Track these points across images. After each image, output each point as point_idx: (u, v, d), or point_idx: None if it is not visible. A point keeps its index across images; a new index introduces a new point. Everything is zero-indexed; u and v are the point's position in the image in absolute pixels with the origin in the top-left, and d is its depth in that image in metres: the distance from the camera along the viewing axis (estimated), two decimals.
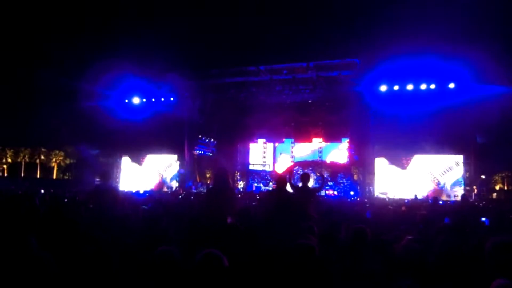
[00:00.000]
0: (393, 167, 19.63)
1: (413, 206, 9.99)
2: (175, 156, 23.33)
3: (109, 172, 7.63)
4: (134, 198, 11.83)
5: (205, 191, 21.71)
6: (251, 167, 26.63)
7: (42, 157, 54.51)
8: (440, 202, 13.39)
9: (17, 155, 53.86)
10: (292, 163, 25.50)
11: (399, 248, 4.06)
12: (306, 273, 2.74)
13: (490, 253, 2.51)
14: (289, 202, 5.58)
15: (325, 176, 15.61)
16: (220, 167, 5.96)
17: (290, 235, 4.33)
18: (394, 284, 2.34)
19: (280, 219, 5.06)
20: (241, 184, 25.82)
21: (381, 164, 19.83)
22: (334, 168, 23.79)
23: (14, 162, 53.77)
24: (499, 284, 1.91)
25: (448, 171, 18.74)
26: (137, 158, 24.16)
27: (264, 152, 26.90)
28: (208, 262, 2.43)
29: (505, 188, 42.06)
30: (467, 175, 18.72)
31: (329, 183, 22.61)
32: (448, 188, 18.68)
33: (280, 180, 5.97)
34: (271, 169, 26.20)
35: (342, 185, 23.27)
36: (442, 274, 2.79)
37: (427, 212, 6.20)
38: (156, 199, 9.41)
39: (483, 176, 19.51)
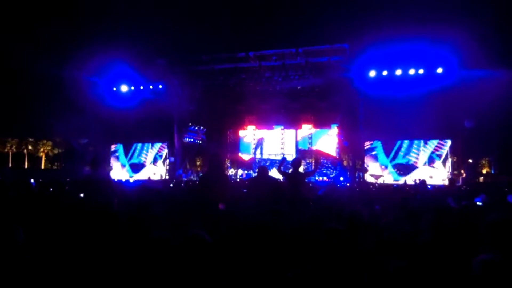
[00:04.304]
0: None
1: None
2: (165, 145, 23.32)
3: (99, 160, 7.51)
4: (124, 186, 11.77)
5: (195, 178, 21.79)
6: (240, 155, 26.76)
7: (30, 147, 53.84)
8: (429, 186, 13.57)
9: (4, 145, 53.14)
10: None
11: (387, 229, 4.12)
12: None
13: (486, 230, 2.57)
14: (270, 188, 5.64)
15: (320, 162, 15.72)
16: (214, 152, 5.93)
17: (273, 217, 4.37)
18: (388, 265, 2.37)
19: (263, 203, 5.09)
20: (232, 171, 25.85)
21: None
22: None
23: (1, 152, 53.08)
24: (482, 259, 1.93)
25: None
26: (127, 146, 24.09)
27: (254, 140, 26.95)
28: (191, 242, 2.45)
29: (492, 172, 42.65)
30: (454, 160, 18.96)
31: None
32: None
33: (261, 169, 6.28)
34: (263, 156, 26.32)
35: (332, 171, 23.42)
36: (432, 253, 2.83)
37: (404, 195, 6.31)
38: (146, 187, 9.37)
39: (470, 160, 19.73)
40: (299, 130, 25.86)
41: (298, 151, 25.50)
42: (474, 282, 1.93)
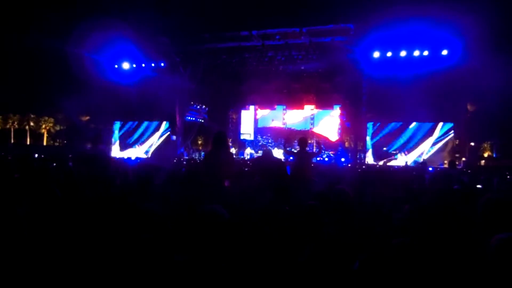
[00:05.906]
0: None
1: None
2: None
3: (100, 137, 7.56)
4: (125, 163, 11.81)
5: (196, 157, 21.83)
6: (242, 136, 26.82)
7: (32, 123, 53.92)
8: (430, 169, 13.59)
9: (6, 121, 53.20)
10: None
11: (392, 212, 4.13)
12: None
13: (483, 210, 2.56)
14: (274, 168, 5.71)
15: (321, 144, 15.69)
16: (219, 130, 5.91)
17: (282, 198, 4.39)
18: (388, 243, 2.37)
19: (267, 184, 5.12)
20: (233, 150, 25.88)
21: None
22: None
23: (3, 128, 53.19)
24: (500, 238, 1.89)
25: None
26: (128, 123, 24.08)
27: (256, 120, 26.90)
28: (209, 216, 2.47)
29: (493, 155, 42.67)
30: (456, 143, 18.91)
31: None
32: None
33: (266, 150, 6.69)
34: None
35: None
36: (431, 234, 2.83)
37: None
38: (148, 164, 9.40)
39: (472, 144, 19.67)
40: (301, 111, 25.76)
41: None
42: (489, 261, 1.91)
